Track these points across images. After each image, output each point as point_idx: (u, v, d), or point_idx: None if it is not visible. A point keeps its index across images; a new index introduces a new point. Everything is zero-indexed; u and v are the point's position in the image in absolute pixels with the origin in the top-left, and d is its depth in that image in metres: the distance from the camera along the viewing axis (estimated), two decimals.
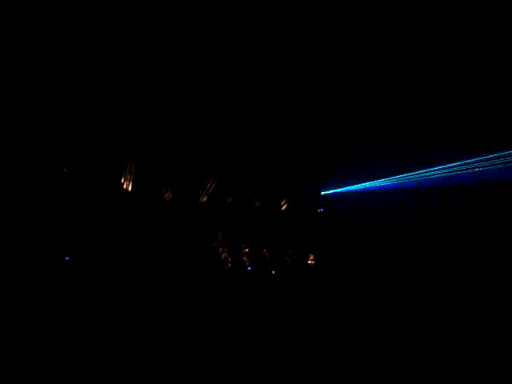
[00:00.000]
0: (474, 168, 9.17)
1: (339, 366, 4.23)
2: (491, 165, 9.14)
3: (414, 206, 10.09)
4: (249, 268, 10.60)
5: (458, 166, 9.44)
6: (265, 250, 10.72)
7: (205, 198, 10.60)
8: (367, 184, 10.70)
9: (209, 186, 10.54)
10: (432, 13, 7.46)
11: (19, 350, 4.33)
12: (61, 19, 7.53)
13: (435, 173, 9.75)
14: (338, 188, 11.04)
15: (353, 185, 10.83)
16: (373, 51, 8.47)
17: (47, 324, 5.49)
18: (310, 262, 10.52)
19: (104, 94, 9.27)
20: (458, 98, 8.96)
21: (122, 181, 10.08)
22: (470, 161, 9.30)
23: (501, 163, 8.98)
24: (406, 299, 7.93)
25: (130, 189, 10.17)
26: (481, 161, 9.31)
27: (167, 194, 10.39)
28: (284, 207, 11.13)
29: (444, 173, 9.64)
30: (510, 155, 8.81)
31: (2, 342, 4.46)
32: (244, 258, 10.63)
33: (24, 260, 8.60)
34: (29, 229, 9.12)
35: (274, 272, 10.51)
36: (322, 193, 11.19)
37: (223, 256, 10.52)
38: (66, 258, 9.30)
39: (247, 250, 10.67)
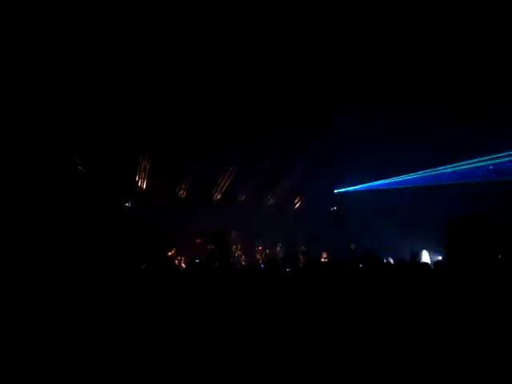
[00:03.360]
0: (489, 166, 9.16)
1: (348, 364, 4.21)
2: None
3: (427, 204, 10.07)
4: (262, 265, 10.64)
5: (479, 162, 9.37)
6: (278, 248, 10.78)
7: (219, 196, 10.67)
8: (380, 182, 10.72)
9: (223, 183, 10.60)
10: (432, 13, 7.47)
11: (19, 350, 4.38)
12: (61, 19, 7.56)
13: (455, 169, 9.72)
14: (351, 186, 11.08)
15: (366, 183, 10.86)
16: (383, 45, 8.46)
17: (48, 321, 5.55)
18: (323, 259, 10.53)
19: (118, 93, 9.33)
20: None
21: (137, 178, 10.18)
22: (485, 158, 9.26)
23: None
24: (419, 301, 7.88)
25: (144, 186, 10.26)
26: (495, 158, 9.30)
27: (181, 192, 10.47)
28: (298, 205, 11.17)
29: (465, 169, 9.60)
30: None
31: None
32: (257, 256, 10.70)
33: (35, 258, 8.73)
34: (44, 226, 9.24)
35: (288, 270, 10.52)
36: (335, 191, 11.24)
37: (237, 254, 10.59)
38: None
39: (261, 247, 10.73)
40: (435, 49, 8.18)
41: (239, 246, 10.60)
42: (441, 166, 9.80)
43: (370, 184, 10.79)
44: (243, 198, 10.72)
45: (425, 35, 7.87)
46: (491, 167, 9.20)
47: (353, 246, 10.65)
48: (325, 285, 8.69)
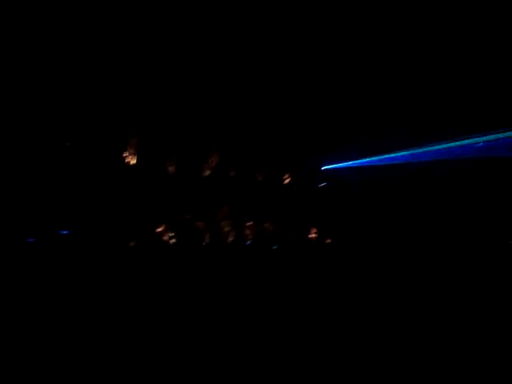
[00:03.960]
0: (479, 142, 9.20)
1: (339, 356, 4.25)
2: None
3: (419, 182, 10.16)
4: (249, 242, 10.70)
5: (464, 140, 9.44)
6: (267, 224, 10.79)
7: (208, 172, 10.58)
8: (370, 159, 10.72)
9: (211, 159, 10.52)
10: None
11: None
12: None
13: (442, 147, 9.76)
14: (340, 163, 11.06)
15: (355, 159, 10.85)
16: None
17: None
18: (312, 235, 10.61)
19: (105, 73, 9.21)
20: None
21: (126, 154, 10.02)
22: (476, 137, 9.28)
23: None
24: (407, 279, 8.03)
25: (132, 162, 10.12)
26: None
27: (170, 168, 10.36)
28: (286, 181, 11.15)
29: (451, 147, 9.65)
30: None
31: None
32: (246, 232, 10.71)
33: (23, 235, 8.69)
34: (27, 203, 9.13)
35: (274, 247, 10.61)
36: (323, 167, 11.22)
37: (225, 230, 10.59)
38: (64, 232, 9.31)
39: (250, 223, 10.73)
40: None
41: (228, 222, 10.60)
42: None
43: (360, 161, 10.79)
44: (233, 174, 10.67)
45: None
46: (481, 144, 9.26)
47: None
48: (313, 262, 8.75)
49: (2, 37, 7.45)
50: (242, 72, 9.35)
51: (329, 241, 10.66)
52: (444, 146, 9.87)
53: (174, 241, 10.22)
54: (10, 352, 3.94)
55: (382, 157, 10.57)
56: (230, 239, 10.54)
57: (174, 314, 5.51)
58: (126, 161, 10.05)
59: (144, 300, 6.16)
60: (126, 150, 10.02)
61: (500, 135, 8.80)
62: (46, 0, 7.24)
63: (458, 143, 9.45)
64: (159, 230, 10.22)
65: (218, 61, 9.18)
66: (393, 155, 10.41)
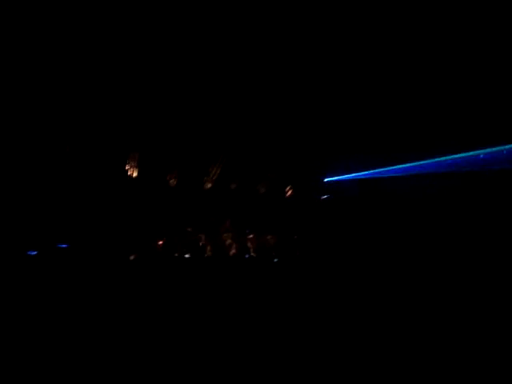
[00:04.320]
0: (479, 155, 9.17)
1: (340, 361, 4.23)
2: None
3: (421, 194, 10.12)
4: (250, 255, 10.67)
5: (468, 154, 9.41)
6: (269, 237, 10.75)
7: (209, 185, 10.57)
8: (373, 171, 10.69)
9: (213, 172, 10.51)
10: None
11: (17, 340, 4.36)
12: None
13: (444, 161, 9.73)
14: (343, 175, 11.04)
15: (357, 172, 10.82)
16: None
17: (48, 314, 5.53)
18: (313, 248, 10.57)
19: (106, 81, 9.22)
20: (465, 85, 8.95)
21: (127, 168, 10.03)
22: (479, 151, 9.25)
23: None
24: (412, 291, 7.97)
25: (134, 175, 10.12)
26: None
27: (172, 181, 10.36)
28: (288, 193, 11.13)
29: (452, 161, 9.62)
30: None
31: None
32: (248, 245, 10.67)
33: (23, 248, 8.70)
34: (29, 217, 9.13)
35: (275, 260, 10.56)
36: (326, 179, 11.20)
37: (227, 242, 10.55)
38: (63, 246, 9.30)
39: (251, 236, 10.70)
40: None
41: (230, 235, 10.56)
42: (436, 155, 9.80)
43: (363, 173, 10.76)
44: (234, 186, 10.65)
45: None
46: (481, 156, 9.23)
47: None
48: (314, 275, 8.68)
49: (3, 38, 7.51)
50: (244, 85, 9.35)
51: (332, 252, 10.59)
52: (446, 158, 9.86)
53: (175, 253, 10.19)
54: (12, 355, 3.94)
55: (385, 169, 10.55)
56: (232, 252, 10.51)
57: (176, 324, 5.49)
58: (128, 174, 10.06)
59: (146, 311, 6.14)
60: (127, 163, 10.04)
61: (502, 148, 8.80)
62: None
63: (459, 156, 9.43)
64: (160, 242, 10.21)
65: (220, 73, 9.18)
66: (395, 167, 10.39)
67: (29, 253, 8.82)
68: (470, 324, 5.50)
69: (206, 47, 8.49)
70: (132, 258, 9.72)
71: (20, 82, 8.48)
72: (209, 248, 10.38)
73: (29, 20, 7.34)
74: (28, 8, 7.14)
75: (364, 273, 9.47)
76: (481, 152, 9.27)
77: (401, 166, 10.31)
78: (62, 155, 9.61)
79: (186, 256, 10.18)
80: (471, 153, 9.24)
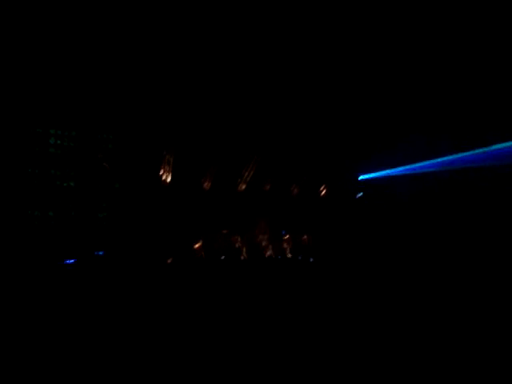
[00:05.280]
0: None
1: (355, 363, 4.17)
2: None
3: (461, 190, 9.94)
4: (286, 256, 10.63)
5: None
6: (305, 237, 10.70)
7: (243, 186, 10.56)
8: (406, 168, 10.59)
9: (247, 173, 10.51)
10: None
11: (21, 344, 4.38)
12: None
13: (485, 154, 9.58)
14: (376, 172, 10.95)
15: (391, 169, 10.72)
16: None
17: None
18: (348, 247, 10.49)
19: (141, 85, 9.32)
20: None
21: (161, 172, 10.08)
22: None
23: None
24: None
25: (169, 180, 10.17)
26: None
27: (206, 184, 10.38)
28: (323, 193, 11.06)
29: (492, 153, 9.46)
30: None
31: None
32: (284, 246, 10.64)
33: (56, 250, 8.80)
34: (64, 220, 9.25)
35: (311, 259, 10.51)
36: (360, 177, 11.12)
37: (264, 244, 10.53)
38: (100, 253, 9.37)
39: (287, 237, 10.66)
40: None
41: (266, 237, 10.53)
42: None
43: (396, 169, 10.65)
44: (268, 187, 10.62)
45: None
46: None
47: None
48: (350, 274, 8.57)
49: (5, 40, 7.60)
50: (279, 89, 9.39)
51: (367, 251, 10.48)
52: (480, 151, 9.72)
53: (211, 256, 10.20)
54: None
55: (418, 165, 10.42)
56: (268, 253, 10.48)
57: (211, 324, 5.48)
58: (163, 178, 10.11)
59: (184, 312, 6.14)
60: (162, 167, 10.09)
61: None
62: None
63: (497, 147, 9.27)
64: (197, 245, 10.23)
65: (248, 80, 9.24)
66: (429, 162, 10.26)
67: (67, 261, 8.91)
68: (472, 323, 5.41)
69: (232, 53, 8.53)
70: (169, 261, 9.75)
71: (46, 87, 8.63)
72: (244, 250, 10.36)
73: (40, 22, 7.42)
74: (33, 9, 7.21)
75: (403, 271, 9.34)
76: None
77: (435, 160, 10.21)
78: (95, 161, 9.70)
79: (222, 258, 10.18)
80: None
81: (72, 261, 8.97)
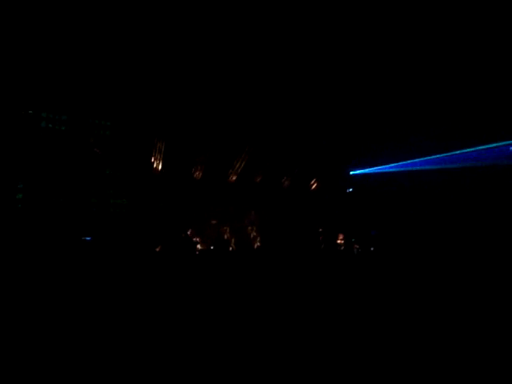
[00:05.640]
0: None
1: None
2: None
3: (445, 187, 10.07)
4: (274, 247, 10.64)
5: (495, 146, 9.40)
6: (294, 229, 10.73)
7: (234, 177, 10.56)
8: (397, 164, 10.66)
9: (238, 164, 10.50)
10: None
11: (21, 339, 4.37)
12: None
13: (470, 154, 9.72)
14: (368, 168, 11.00)
15: (382, 165, 10.79)
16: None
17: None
18: (339, 241, 10.52)
19: (135, 76, 9.26)
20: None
21: (152, 160, 10.05)
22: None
23: None
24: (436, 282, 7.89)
25: (160, 168, 10.14)
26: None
27: (197, 173, 10.36)
28: (314, 186, 11.09)
29: (478, 154, 9.61)
30: None
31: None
32: (272, 237, 10.66)
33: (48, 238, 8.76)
34: (54, 207, 9.21)
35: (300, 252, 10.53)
36: (351, 172, 11.17)
37: (252, 235, 10.55)
38: (87, 239, 9.34)
39: (275, 229, 10.69)
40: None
41: (255, 228, 10.56)
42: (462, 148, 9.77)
43: (387, 166, 10.72)
44: (259, 179, 10.62)
45: None
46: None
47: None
48: (340, 267, 8.57)
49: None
50: (271, 81, 9.34)
51: (357, 246, 10.54)
52: (472, 150, 9.82)
53: (200, 245, 10.21)
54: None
55: (410, 162, 10.51)
56: (257, 244, 10.50)
57: (198, 315, 5.48)
58: (154, 166, 10.09)
59: (170, 302, 6.13)
60: (153, 156, 10.07)
61: None
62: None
63: (489, 146, 9.38)
64: (185, 234, 10.23)
65: (241, 72, 9.18)
66: (421, 160, 10.34)
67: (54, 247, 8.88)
68: (474, 323, 5.47)
69: (225, 44, 8.49)
70: (157, 249, 9.75)
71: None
72: (233, 240, 10.38)
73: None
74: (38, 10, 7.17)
75: (390, 266, 9.41)
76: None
77: (427, 158, 10.29)
78: (87, 146, 9.65)
79: (211, 248, 10.20)
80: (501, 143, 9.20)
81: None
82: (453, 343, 4.45)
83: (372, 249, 10.57)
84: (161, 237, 9.94)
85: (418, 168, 10.65)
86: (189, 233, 10.14)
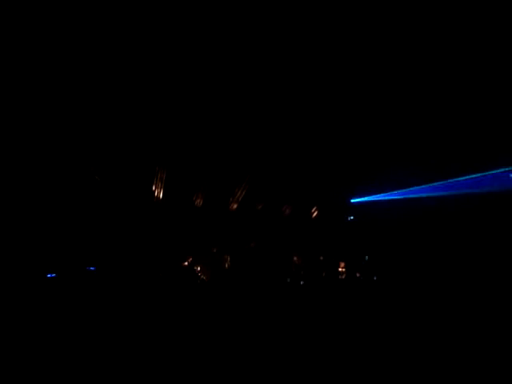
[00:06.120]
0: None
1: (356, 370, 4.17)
2: None
3: (446, 215, 10.10)
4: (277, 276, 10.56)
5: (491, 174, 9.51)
6: (295, 258, 10.67)
7: (235, 206, 10.57)
8: (397, 192, 10.71)
9: (239, 193, 10.53)
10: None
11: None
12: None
13: (467, 181, 9.83)
14: (368, 196, 11.04)
15: (382, 193, 10.84)
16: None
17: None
18: (340, 269, 10.47)
19: (136, 103, 9.34)
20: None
21: (154, 188, 10.08)
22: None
23: None
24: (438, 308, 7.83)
25: (161, 196, 10.16)
26: None
27: (198, 201, 10.38)
28: (314, 214, 11.09)
29: (475, 181, 9.70)
30: None
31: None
32: (275, 266, 10.59)
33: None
34: (55, 235, 9.15)
35: (302, 282, 10.43)
36: (352, 200, 11.20)
37: (254, 264, 10.48)
38: (92, 268, 9.26)
39: (278, 257, 10.62)
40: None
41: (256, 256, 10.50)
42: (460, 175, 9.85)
43: (388, 194, 10.76)
44: (260, 207, 10.63)
45: None
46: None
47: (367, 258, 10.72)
48: (341, 295, 8.51)
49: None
50: (272, 107, 9.45)
51: (358, 275, 10.48)
52: (470, 177, 9.92)
53: (201, 274, 10.13)
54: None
55: (410, 189, 10.56)
56: (260, 273, 10.41)
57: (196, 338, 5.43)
58: (155, 194, 10.11)
59: (169, 331, 6.06)
60: (154, 184, 10.09)
61: None
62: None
63: (487, 174, 9.48)
64: (186, 263, 10.16)
65: (244, 95, 9.29)
66: (421, 188, 10.40)
67: (49, 275, 8.78)
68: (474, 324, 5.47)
69: (236, 69, 8.59)
70: (159, 277, 9.66)
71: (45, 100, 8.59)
72: (234, 269, 10.30)
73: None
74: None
75: (391, 296, 9.33)
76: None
77: (427, 186, 10.35)
78: (87, 174, 9.67)
79: (211, 276, 10.11)
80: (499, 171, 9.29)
81: (53, 275, 8.84)
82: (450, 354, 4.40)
83: (375, 278, 10.51)
84: (161, 264, 9.87)
85: (418, 195, 10.71)
86: (189, 262, 10.08)
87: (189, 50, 8.25)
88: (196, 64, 8.60)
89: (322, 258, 10.65)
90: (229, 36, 7.93)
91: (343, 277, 10.48)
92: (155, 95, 9.21)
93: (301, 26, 7.75)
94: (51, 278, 8.72)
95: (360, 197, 11.12)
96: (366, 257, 10.92)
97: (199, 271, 10.14)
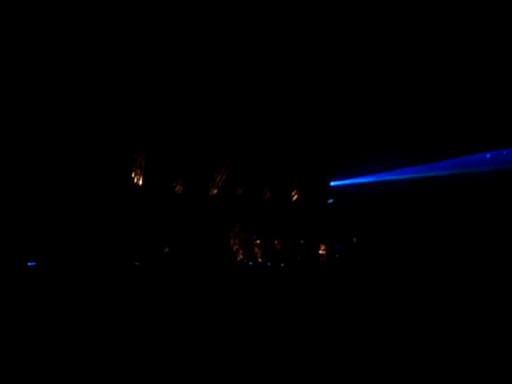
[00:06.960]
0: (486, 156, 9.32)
1: (341, 364, 4.21)
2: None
3: (424, 197, 10.23)
4: (257, 260, 10.65)
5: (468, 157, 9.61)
6: (276, 241, 10.74)
7: (215, 190, 10.56)
8: (377, 175, 10.77)
9: (219, 177, 10.51)
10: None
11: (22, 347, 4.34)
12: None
13: (445, 164, 9.90)
14: (348, 179, 11.09)
15: (362, 176, 10.89)
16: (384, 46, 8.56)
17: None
18: (321, 252, 10.58)
19: (113, 89, 9.22)
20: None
21: (133, 175, 10.02)
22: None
23: None
24: (414, 293, 7.97)
25: (140, 182, 10.11)
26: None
27: (177, 187, 10.35)
28: (294, 198, 11.13)
29: (454, 164, 9.78)
30: None
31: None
32: (255, 250, 10.65)
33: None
34: (35, 223, 9.10)
35: (282, 265, 10.54)
36: (332, 183, 11.24)
37: (234, 248, 10.54)
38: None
39: (258, 241, 10.69)
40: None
41: (237, 241, 10.54)
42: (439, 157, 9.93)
43: (368, 176, 10.82)
44: (240, 191, 10.64)
45: None
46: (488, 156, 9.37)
47: (355, 240, 10.80)
48: (321, 279, 8.62)
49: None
50: (251, 92, 9.38)
51: (337, 256, 10.61)
52: (451, 159, 10.02)
53: (182, 259, 10.15)
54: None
55: (390, 172, 10.62)
56: (240, 257, 10.49)
57: (180, 328, 5.47)
58: (135, 181, 10.06)
59: (150, 317, 6.09)
60: (134, 170, 10.03)
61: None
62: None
63: (465, 156, 9.58)
64: (167, 249, 10.17)
65: (225, 80, 9.20)
66: (402, 170, 10.47)
67: (29, 264, 8.77)
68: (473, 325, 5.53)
69: (214, 52, 8.48)
70: (137, 264, 9.67)
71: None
72: (217, 253, 10.35)
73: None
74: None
75: (369, 276, 9.47)
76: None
77: (406, 168, 10.41)
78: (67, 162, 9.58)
79: (193, 261, 10.14)
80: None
81: (34, 263, 8.83)
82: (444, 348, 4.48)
83: (354, 258, 10.64)
84: (141, 251, 9.87)
85: (400, 177, 10.79)
86: (168, 249, 10.09)
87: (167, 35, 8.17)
88: (175, 51, 8.52)
89: (302, 241, 10.72)
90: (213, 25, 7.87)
91: (324, 259, 10.60)
92: (132, 81, 9.10)
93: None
94: (31, 266, 8.73)
95: (340, 180, 11.17)
96: (354, 239, 11.03)
97: (180, 257, 10.17)
